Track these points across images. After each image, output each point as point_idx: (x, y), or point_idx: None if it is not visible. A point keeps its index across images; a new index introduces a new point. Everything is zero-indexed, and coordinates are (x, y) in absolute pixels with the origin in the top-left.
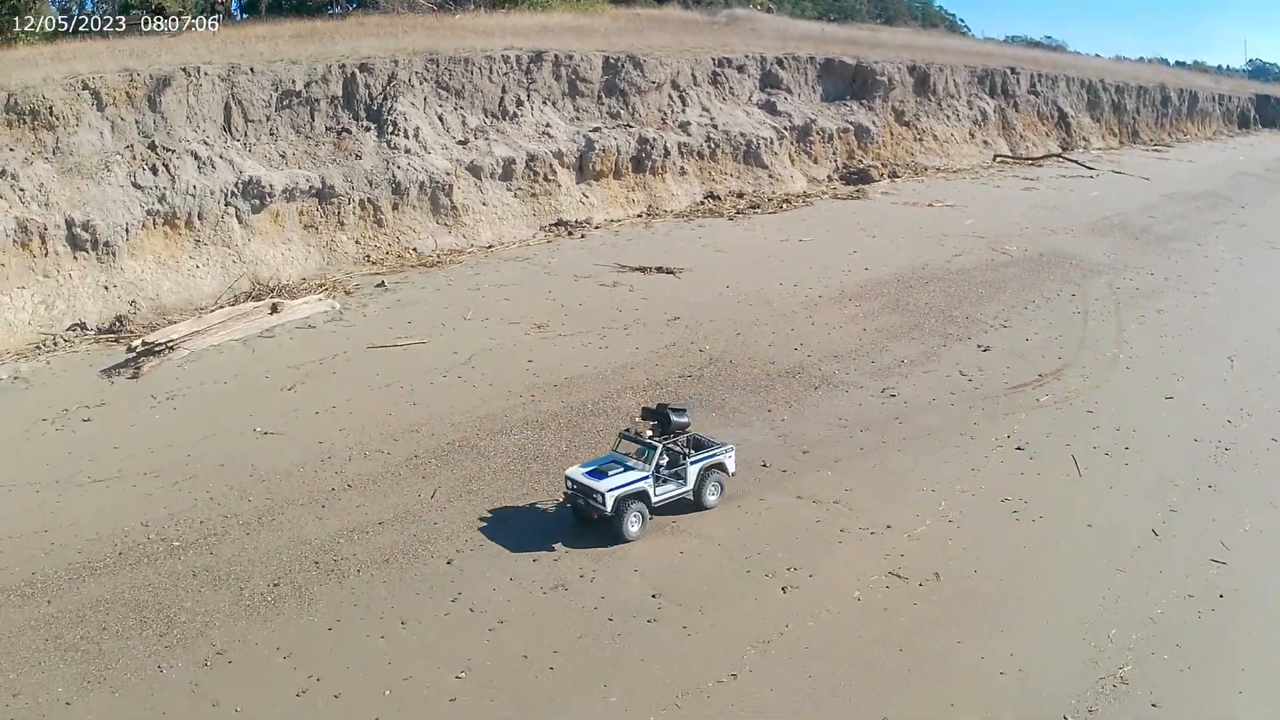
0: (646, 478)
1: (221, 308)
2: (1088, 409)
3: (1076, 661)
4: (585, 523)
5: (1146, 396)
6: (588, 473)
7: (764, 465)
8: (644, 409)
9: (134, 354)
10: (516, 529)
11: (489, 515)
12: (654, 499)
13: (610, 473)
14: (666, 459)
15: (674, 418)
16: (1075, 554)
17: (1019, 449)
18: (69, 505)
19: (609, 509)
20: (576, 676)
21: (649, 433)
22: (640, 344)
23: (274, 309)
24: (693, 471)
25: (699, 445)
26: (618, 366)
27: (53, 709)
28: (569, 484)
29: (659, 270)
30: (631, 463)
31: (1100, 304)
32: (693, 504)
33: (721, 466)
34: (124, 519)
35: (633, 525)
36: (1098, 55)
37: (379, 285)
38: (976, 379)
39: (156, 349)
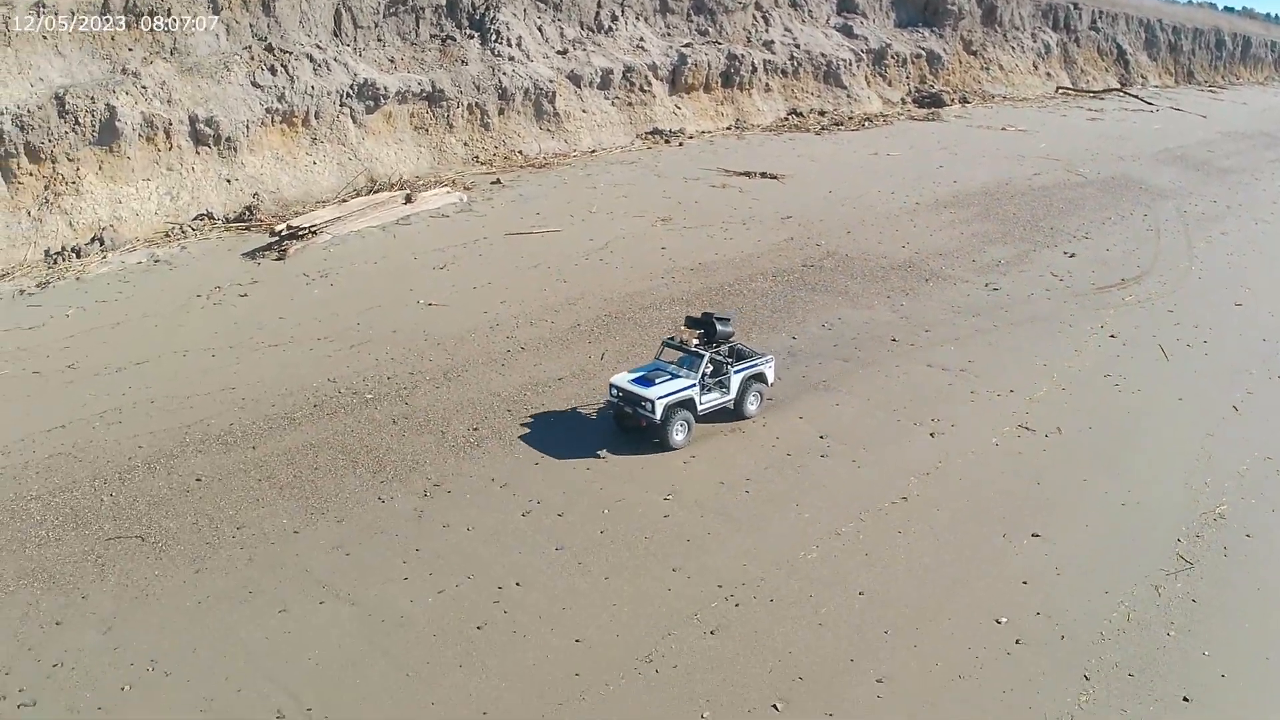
0: (693, 386)
1: (359, 196)
2: (1168, 309)
3: (1181, 501)
4: (627, 430)
5: (1218, 302)
6: (634, 379)
7: (893, 340)
8: (688, 318)
9: (278, 238)
10: None
11: None
12: (699, 407)
13: (657, 380)
14: (711, 368)
15: (720, 327)
16: (1171, 420)
17: (1112, 336)
18: (249, 366)
19: (658, 416)
20: (770, 497)
21: (695, 341)
22: (760, 237)
23: (408, 199)
24: (735, 381)
25: (740, 356)
26: (744, 255)
27: (281, 537)
28: (613, 391)
29: (763, 175)
30: (676, 370)
31: (1170, 224)
32: (733, 413)
33: (761, 377)
34: (309, 377)
35: (678, 433)
36: None
37: (495, 182)
38: (1067, 279)
39: (300, 233)
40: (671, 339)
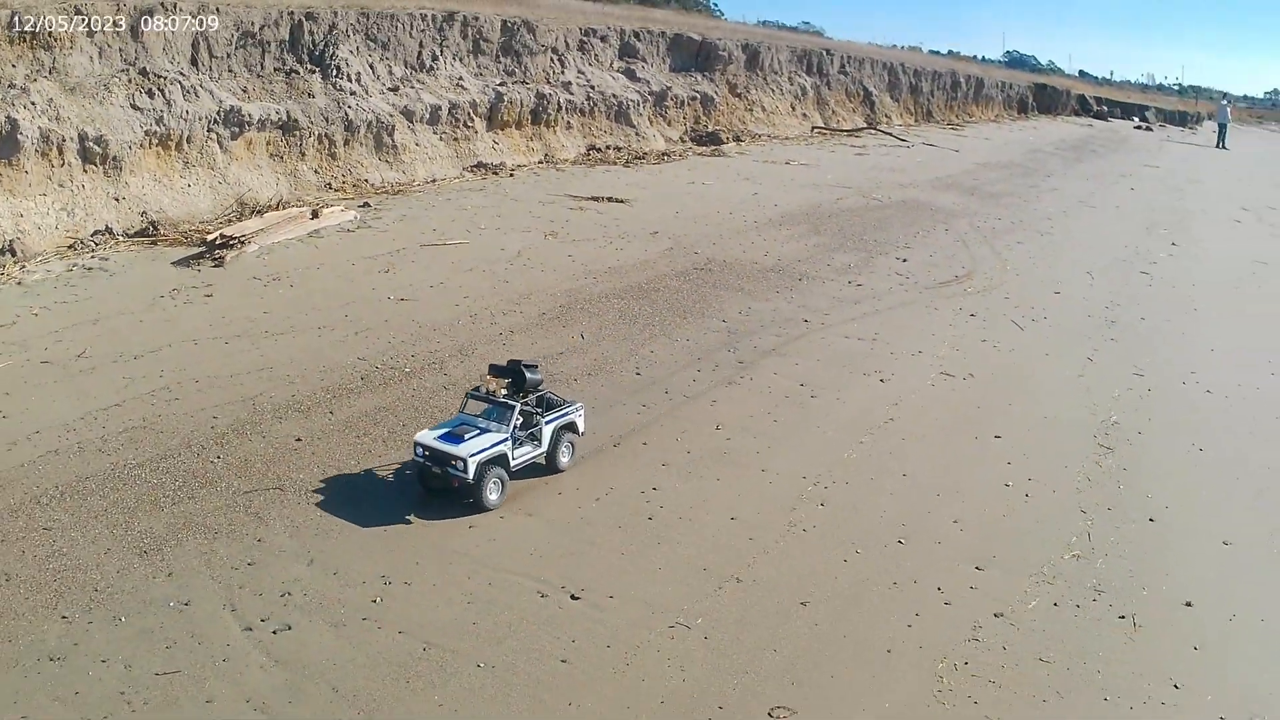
0: (505, 440)
1: (271, 211)
2: (1004, 296)
3: (1083, 415)
4: (434, 493)
5: (1040, 291)
6: (441, 436)
7: (805, 320)
8: (492, 366)
9: (209, 246)
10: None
11: (650, 352)
12: (512, 463)
13: (466, 435)
14: (521, 419)
15: (529, 375)
16: (1046, 368)
17: (972, 315)
18: (270, 351)
19: (470, 475)
20: (788, 425)
21: (502, 391)
22: (644, 248)
23: (314, 214)
24: (547, 432)
25: (550, 405)
26: (640, 261)
27: (380, 486)
28: (419, 450)
29: (609, 199)
30: (484, 424)
31: (971, 237)
32: (544, 468)
33: (573, 426)
34: (337, 357)
35: (492, 493)
36: (894, 45)
37: (363, 206)
38: (910, 278)
39: (231, 243)
40: (477, 389)
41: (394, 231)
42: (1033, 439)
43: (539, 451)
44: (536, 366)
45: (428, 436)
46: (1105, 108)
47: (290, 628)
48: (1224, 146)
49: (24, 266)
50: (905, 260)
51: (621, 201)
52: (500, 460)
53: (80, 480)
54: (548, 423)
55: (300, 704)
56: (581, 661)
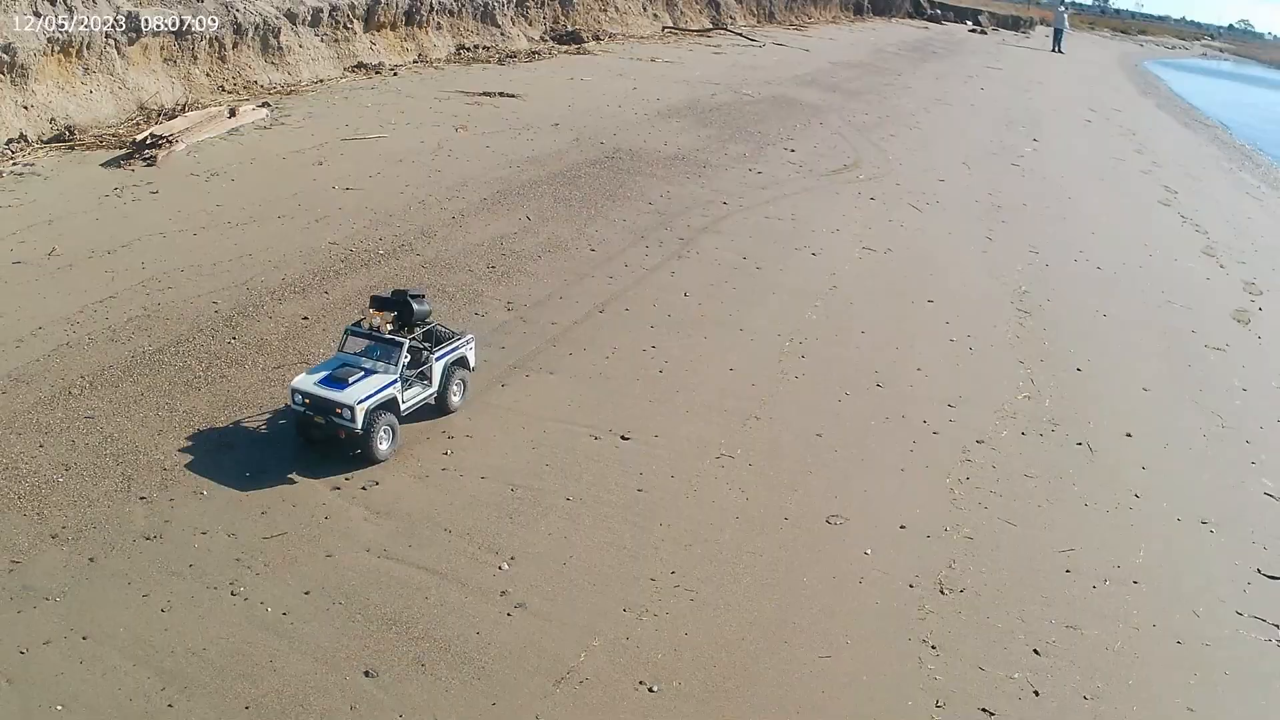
0: (394, 382)
1: (191, 112)
2: (895, 183)
3: (994, 286)
4: (316, 443)
5: (926, 180)
6: (321, 381)
7: (724, 203)
8: (374, 297)
9: (138, 146)
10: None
11: (595, 231)
12: (402, 407)
13: (350, 379)
14: (409, 357)
15: (416, 306)
16: (952, 244)
17: (871, 199)
18: (243, 240)
19: (359, 424)
20: (755, 286)
21: (388, 326)
22: (552, 139)
23: (232, 113)
24: (438, 370)
25: (439, 339)
26: (553, 152)
27: None
28: (296, 398)
29: (502, 95)
30: (369, 364)
31: (846, 130)
32: (434, 408)
33: (464, 361)
34: (309, 242)
35: (383, 442)
36: None
37: (263, 105)
38: (803, 166)
39: (159, 142)
40: (357, 325)
41: (309, 128)
42: (959, 305)
43: (429, 392)
44: (424, 296)
45: (306, 382)
46: (939, 11)
47: (377, 483)
48: (1060, 50)
49: None
50: (793, 151)
51: (514, 96)
52: (390, 405)
53: (104, 369)
54: (438, 359)
55: (422, 546)
56: (655, 490)
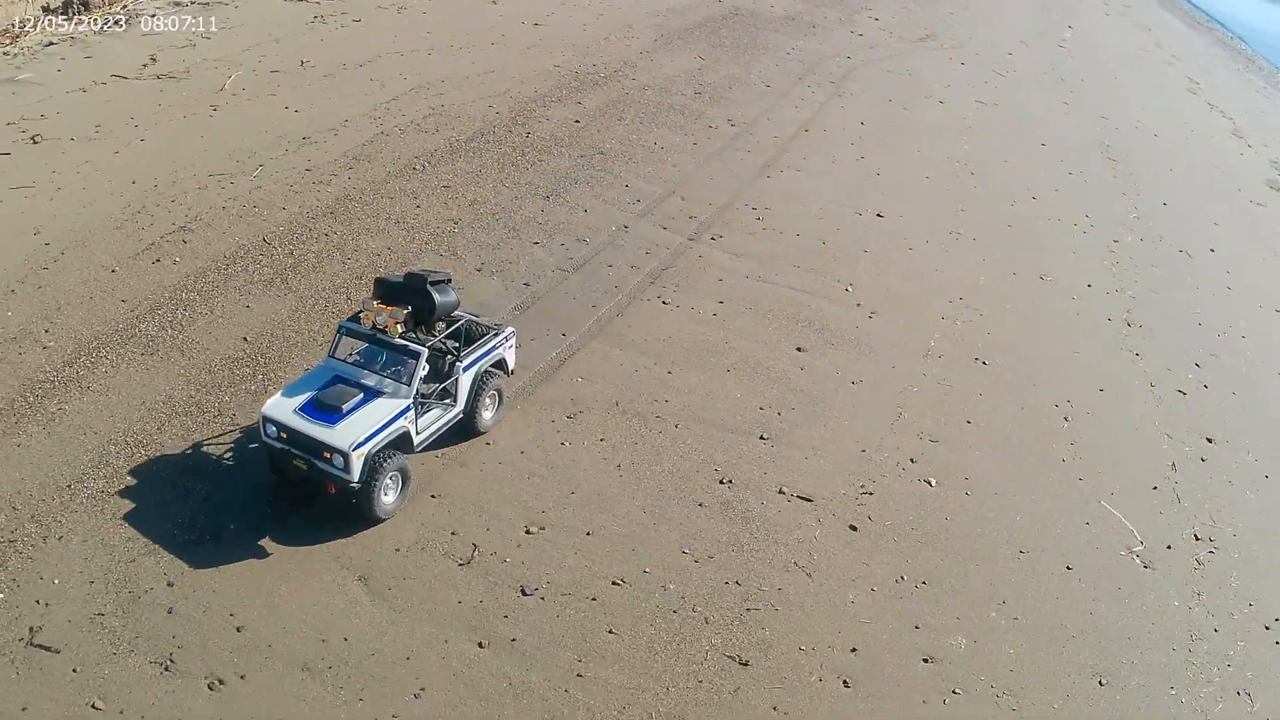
0: (407, 410)
1: None
2: (974, 53)
3: (1084, 137)
4: (295, 484)
5: (997, 53)
6: (305, 408)
7: (847, 58)
8: (379, 280)
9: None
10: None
11: (763, 69)
12: (416, 440)
13: (344, 406)
14: (426, 370)
15: (438, 297)
16: (1042, 102)
17: (962, 64)
18: (475, 60)
19: (355, 476)
20: (891, 134)
21: (399, 327)
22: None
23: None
24: (465, 382)
25: (469, 338)
26: (687, 4)
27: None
28: (269, 429)
29: None
30: (372, 380)
31: (911, 5)
32: (459, 430)
33: (501, 365)
34: (533, 64)
35: (388, 494)
36: None
37: None
38: (893, 33)
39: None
40: (354, 321)
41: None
42: (1063, 149)
43: (454, 414)
44: (448, 281)
45: (283, 407)
46: None
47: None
48: None
49: (125, 6)
50: (877, 19)
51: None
52: (401, 442)
53: (430, 152)
54: (467, 368)
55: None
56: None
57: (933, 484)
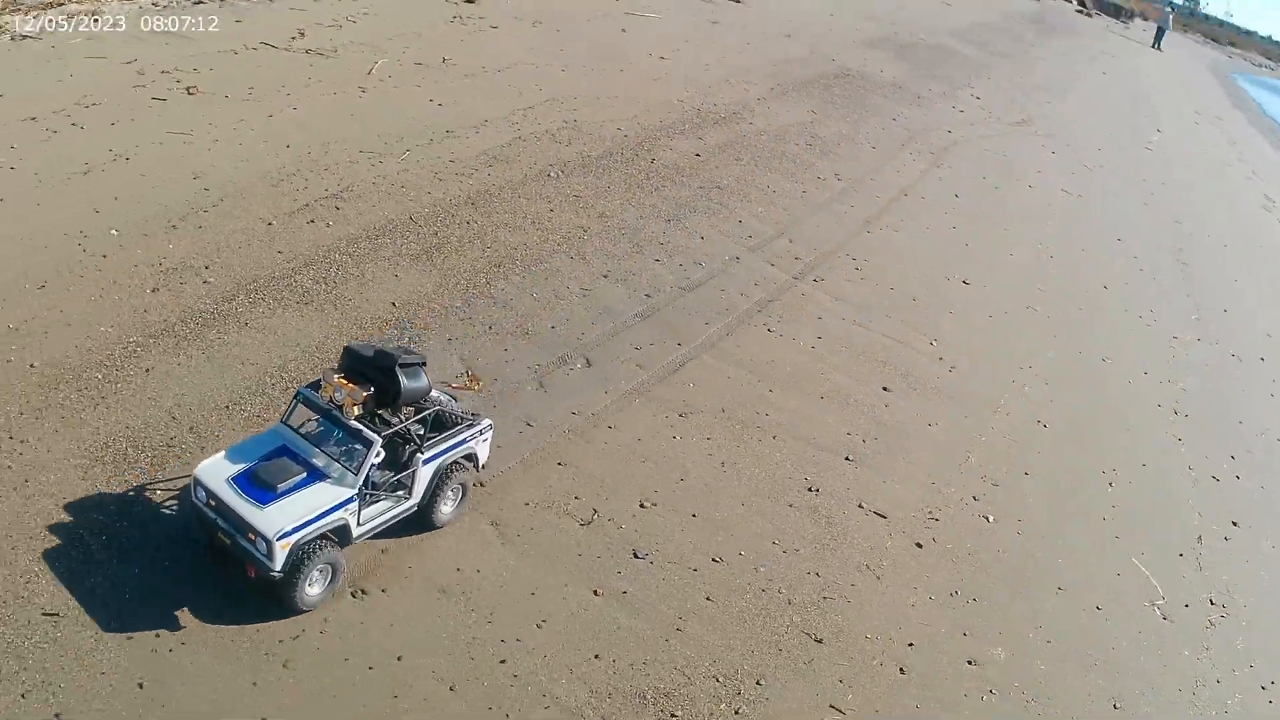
0: (350, 501)
1: None
2: (1065, 143)
3: (1160, 237)
4: (222, 555)
5: (1086, 146)
6: (239, 478)
7: (948, 131)
8: (347, 350)
9: None
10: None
11: (866, 133)
12: (355, 533)
13: (280, 484)
14: (381, 456)
15: (405, 382)
16: (1123, 202)
17: (1053, 153)
18: (600, 84)
19: (276, 566)
20: (985, 206)
21: (355, 408)
22: (793, 47)
23: None
24: (424, 475)
25: (437, 424)
26: (799, 57)
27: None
28: (200, 492)
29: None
30: (319, 459)
31: (1009, 88)
32: (411, 519)
33: (471, 459)
34: (658, 95)
35: (314, 587)
36: None
37: None
38: (991, 114)
39: None
40: (313, 389)
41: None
42: (1138, 246)
43: (406, 506)
44: (421, 365)
45: (217, 474)
46: None
47: None
48: (1159, 48)
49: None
50: (978, 98)
51: (738, 2)
52: (339, 533)
53: (564, 162)
54: (428, 461)
55: None
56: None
57: (990, 520)
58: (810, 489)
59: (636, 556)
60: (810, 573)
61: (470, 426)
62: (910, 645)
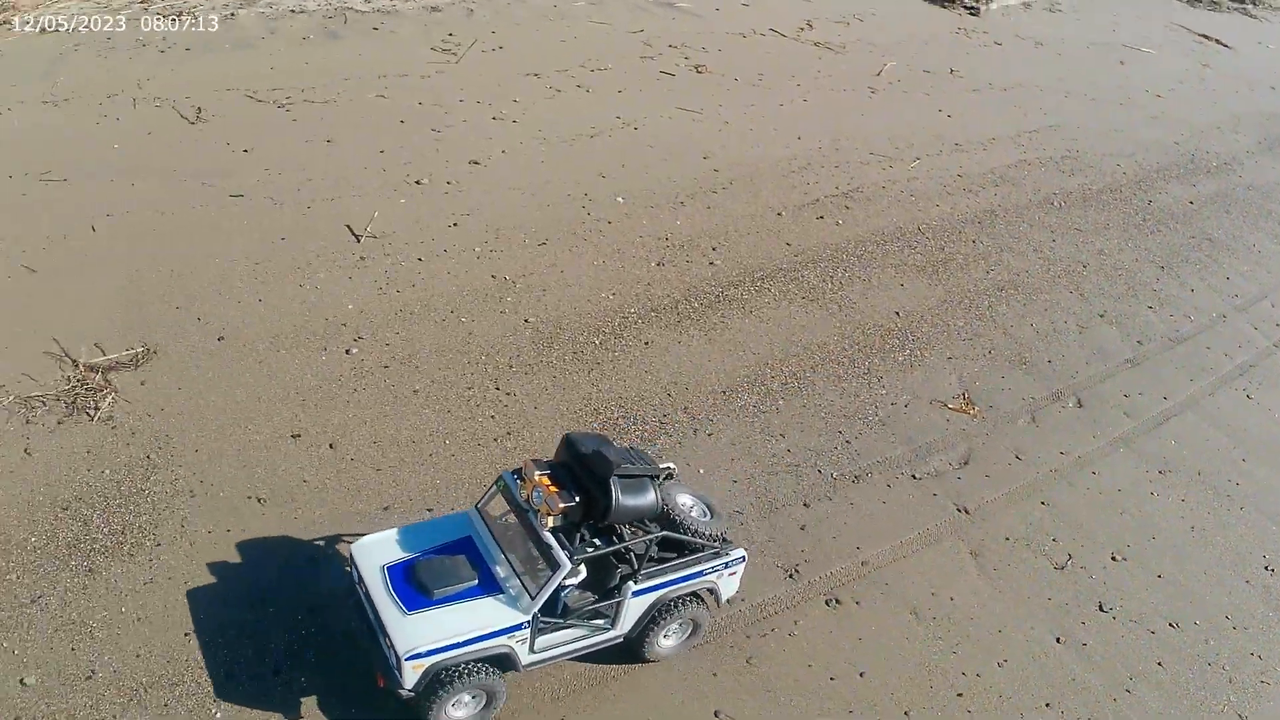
0: (517, 629)
1: None
2: None
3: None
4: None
5: None
6: (393, 569)
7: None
8: (566, 439)
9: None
10: None
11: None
12: (524, 663)
13: (440, 588)
14: (575, 583)
15: (619, 499)
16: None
17: None
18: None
19: (406, 685)
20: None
21: (551, 519)
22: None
23: None
24: (635, 608)
25: (671, 544)
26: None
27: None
28: (355, 574)
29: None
30: (500, 564)
31: None
32: (621, 646)
33: (713, 591)
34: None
35: (456, 710)
36: None
37: None
38: None
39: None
40: (515, 479)
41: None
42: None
43: (606, 637)
44: (656, 479)
45: (374, 557)
46: None
47: None
48: None
49: None
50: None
51: (1229, 48)
52: (498, 660)
53: (1065, 193)
54: (638, 594)
55: None
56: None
57: None
58: (1267, 568)
59: (1101, 609)
60: (1253, 654)
61: (715, 556)
62: None
